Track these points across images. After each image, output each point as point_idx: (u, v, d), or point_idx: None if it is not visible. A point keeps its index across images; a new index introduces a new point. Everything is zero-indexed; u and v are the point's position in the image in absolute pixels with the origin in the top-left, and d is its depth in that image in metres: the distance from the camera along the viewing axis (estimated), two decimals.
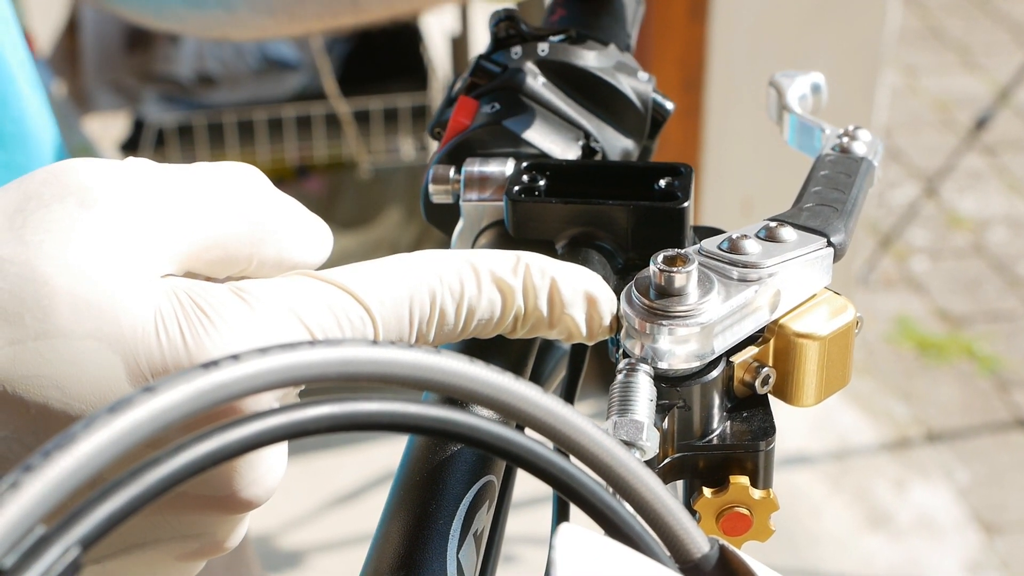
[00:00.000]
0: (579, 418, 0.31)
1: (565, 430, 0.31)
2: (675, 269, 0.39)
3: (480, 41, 2.31)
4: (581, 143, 0.54)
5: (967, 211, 3.03)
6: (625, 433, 0.37)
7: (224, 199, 0.36)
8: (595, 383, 2.15)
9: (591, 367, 0.49)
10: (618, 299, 0.40)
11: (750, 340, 0.41)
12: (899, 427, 2.33)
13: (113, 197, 0.34)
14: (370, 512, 2.04)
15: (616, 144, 0.55)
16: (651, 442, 0.37)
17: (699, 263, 0.40)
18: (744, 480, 0.40)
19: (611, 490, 0.32)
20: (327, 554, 2.02)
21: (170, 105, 2.36)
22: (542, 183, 0.48)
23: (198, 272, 0.36)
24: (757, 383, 0.42)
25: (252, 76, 2.44)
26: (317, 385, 0.30)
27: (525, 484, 0.44)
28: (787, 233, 0.42)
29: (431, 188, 0.51)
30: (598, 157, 0.54)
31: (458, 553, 0.40)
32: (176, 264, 0.35)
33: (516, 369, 0.46)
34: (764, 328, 0.42)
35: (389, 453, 2.14)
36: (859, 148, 0.49)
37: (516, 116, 0.53)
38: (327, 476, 2.13)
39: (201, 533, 0.36)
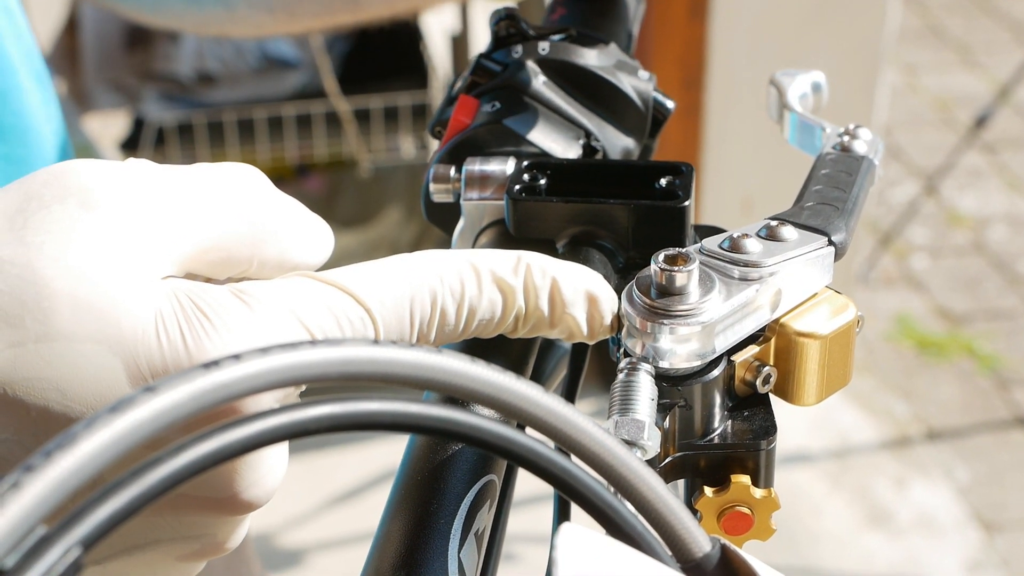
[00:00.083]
0: (580, 417, 0.31)
1: (566, 429, 0.31)
2: (676, 268, 0.39)
3: (480, 40, 2.31)
4: (582, 142, 0.54)
5: (967, 209, 3.03)
6: (626, 432, 0.37)
7: (225, 200, 0.36)
8: (596, 382, 2.15)
9: (592, 366, 0.49)
10: (619, 298, 0.40)
11: (751, 339, 0.41)
12: (899, 426, 2.33)
13: (114, 198, 0.34)
14: (370, 511, 2.04)
15: (617, 143, 0.55)
16: (652, 441, 0.37)
17: (700, 262, 0.40)
18: (745, 479, 0.40)
19: (612, 489, 0.32)
20: (327, 553, 2.02)
21: (170, 104, 2.36)
22: (543, 182, 0.48)
23: (199, 273, 0.36)
24: (758, 382, 0.42)
25: (252, 75, 2.44)
26: (318, 385, 0.30)
27: (526, 483, 0.44)
28: (788, 232, 0.42)
29: (432, 187, 0.51)
30: (599, 156, 0.54)
31: (459, 552, 0.40)
32: (177, 265, 0.35)
33: (517, 368, 0.46)
34: (765, 327, 0.42)
35: (389, 452, 2.14)
36: (860, 147, 0.48)
37: (517, 115, 0.53)
38: (327, 475, 2.13)
39: (202, 534, 0.36)
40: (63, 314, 0.32)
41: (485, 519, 0.42)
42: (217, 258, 0.36)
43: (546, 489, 0.32)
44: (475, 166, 0.50)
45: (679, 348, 0.39)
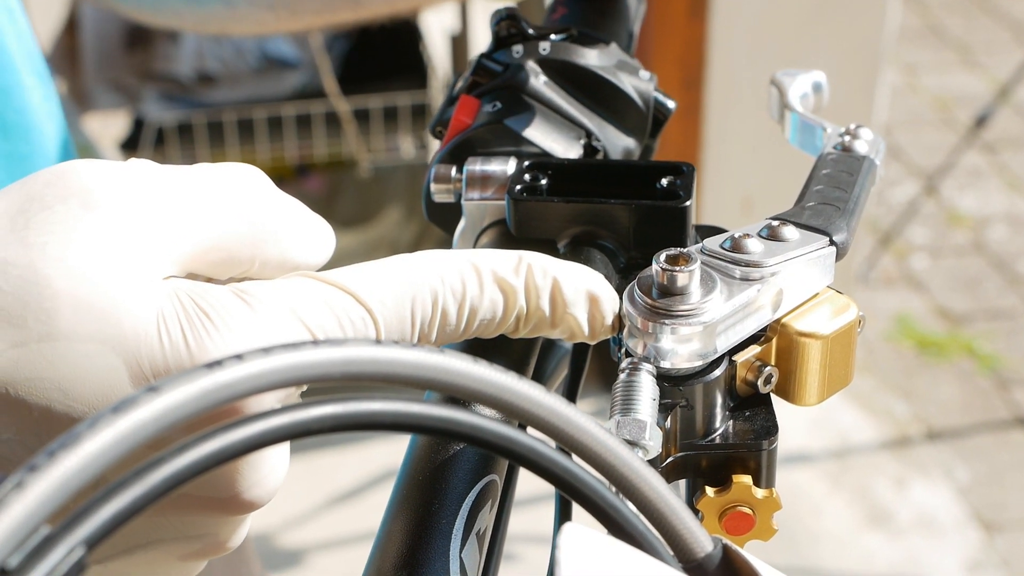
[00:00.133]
0: (582, 417, 0.31)
1: (568, 429, 0.31)
2: (677, 268, 0.39)
3: (480, 39, 2.31)
4: (583, 142, 0.54)
5: (967, 209, 3.03)
6: (628, 432, 0.37)
7: (226, 200, 0.36)
8: (596, 382, 2.15)
9: (592, 366, 0.49)
10: (620, 298, 0.40)
11: (753, 339, 0.41)
12: (899, 425, 2.33)
13: (115, 199, 0.34)
14: (370, 511, 2.04)
15: (618, 143, 0.55)
16: (654, 441, 0.37)
17: (701, 262, 0.40)
18: (747, 479, 0.40)
19: (614, 489, 0.32)
20: (327, 553, 2.02)
21: (170, 104, 2.36)
22: (544, 182, 0.48)
23: (200, 273, 0.36)
24: (760, 382, 0.42)
25: (252, 75, 2.43)
26: (320, 385, 0.30)
27: (527, 483, 0.44)
28: (789, 232, 0.42)
29: (433, 187, 0.51)
30: (600, 156, 0.54)
31: (461, 552, 0.40)
32: (178, 266, 0.35)
33: (518, 368, 0.46)
34: (767, 327, 0.42)
35: (389, 452, 2.14)
36: (861, 147, 0.49)
37: (518, 115, 0.53)
38: (327, 475, 2.13)
39: (204, 534, 0.36)
40: (65, 314, 0.32)
41: (487, 519, 0.42)
42: (218, 258, 0.36)
43: (547, 489, 0.32)
44: (476, 166, 0.50)
45: (681, 348, 0.39)
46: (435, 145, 0.54)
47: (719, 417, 0.41)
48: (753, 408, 0.42)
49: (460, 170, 0.51)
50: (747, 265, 0.41)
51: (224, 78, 2.42)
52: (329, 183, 2.42)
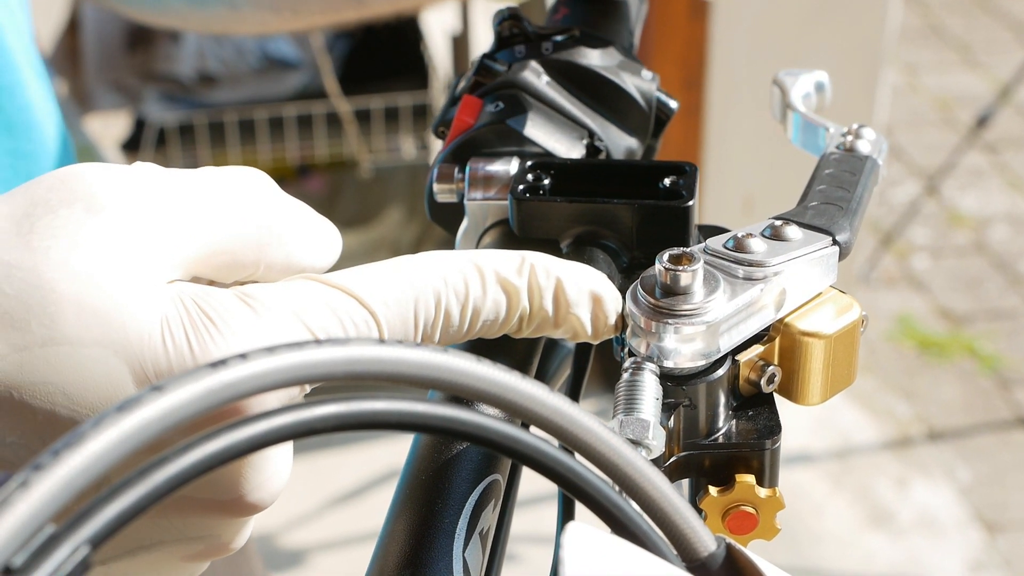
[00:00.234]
0: (586, 417, 0.31)
1: (571, 428, 0.31)
2: (681, 268, 0.39)
3: (481, 40, 2.31)
4: (585, 142, 0.54)
5: (968, 209, 3.03)
6: (631, 432, 0.37)
7: (231, 204, 0.36)
8: (598, 382, 2.15)
9: (594, 366, 0.49)
10: (623, 298, 0.40)
11: (756, 339, 0.41)
12: (901, 426, 2.33)
13: (120, 203, 0.34)
14: (373, 511, 2.04)
15: (620, 143, 0.55)
16: (657, 440, 0.37)
17: (704, 262, 0.40)
18: (750, 479, 0.40)
19: (618, 489, 0.32)
20: (330, 553, 2.02)
21: (171, 104, 2.36)
22: (546, 182, 0.48)
23: (205, 277, 0.36)
24: (763, 382, 0.42)
25: (253, 75, 2.43)
26: (324, 384, 0.30)
27: (530, 483, 0.44)
28: (792, 232, 0.42)
29: (435, 187, 0.51)
30: (602, 156, 0.54)
31: (464, 552, 0.40)
32: (183, 269, 0.35)
33: (521, 368, 0.46)
34: (770, 327, 0.42)
35: (391, 452, 2.14)
36: (863, 147, 0.49)
37: (520, 115, 0.53)
38: (329, 475, 2.13)
39: (207, 535, 0.36)
40: (69, 318, 0.32)
41: (490, 518, 0.42)
42: (223, 262, 0.36)
43: (550, 489, 0.32)
44: (479, 166, 0.50)
45: (684, 348, 0.39)
46: (436, 145, 0.54)
47: (722, 416, 0.41)
48: (756, 408, 0.42)
49: (463, 170, 0.51)
50: (750, 265, 0.41)
51: (225, 78, 2.42)
52: (330, 183, 2.42)
